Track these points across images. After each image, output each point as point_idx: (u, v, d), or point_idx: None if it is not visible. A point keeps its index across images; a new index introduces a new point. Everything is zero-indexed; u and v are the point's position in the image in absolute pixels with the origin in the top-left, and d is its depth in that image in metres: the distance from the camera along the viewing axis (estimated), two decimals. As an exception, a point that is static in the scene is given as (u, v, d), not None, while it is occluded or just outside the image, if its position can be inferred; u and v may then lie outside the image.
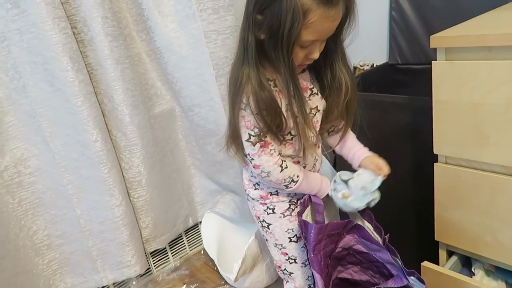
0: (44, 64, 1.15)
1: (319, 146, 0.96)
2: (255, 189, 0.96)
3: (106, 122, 1.30)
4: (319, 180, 0.92)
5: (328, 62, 0.85)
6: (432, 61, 0.87)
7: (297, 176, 0.87)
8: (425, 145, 0.98)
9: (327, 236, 0.87)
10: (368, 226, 0.91)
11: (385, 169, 0.88)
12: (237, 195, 1.57)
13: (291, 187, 0.87)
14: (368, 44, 1.61)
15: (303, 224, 0.86)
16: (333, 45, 0.82)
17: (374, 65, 1.59)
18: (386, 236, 0.88)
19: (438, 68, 0.86)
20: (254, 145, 0.83)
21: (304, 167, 0.93)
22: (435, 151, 0.95)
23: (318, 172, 0.98)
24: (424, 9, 1.38)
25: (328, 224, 0.87)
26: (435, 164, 0.97)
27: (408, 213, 1.23)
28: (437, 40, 0.85)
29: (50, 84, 1.17)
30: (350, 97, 0.87)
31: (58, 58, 1.13)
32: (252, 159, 0.84)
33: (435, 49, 0.87)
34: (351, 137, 0.98)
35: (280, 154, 0.87)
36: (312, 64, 0.83)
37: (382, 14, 1.53)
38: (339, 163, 1.38)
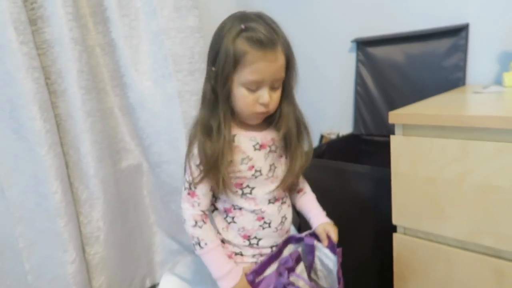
0: (12, 112, 1.14)
1: (289, 205, 0.97)
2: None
3: (69, 173, 1.27)
4: (227, 269, 0.87)
5: (281, 111, 0.88)
6: (391, 135, 0.93)
7: (205, 244, 0.87)
8: (385, 214, 1.00)
9: None
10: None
11: (333, 237, 0.91)
12: (199, 257, 1.52)
13: (196, 250, 0.88)
14: (335, 115, 1.70)
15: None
16: (283, 93, 0.87)
17: (340, 135, 1.66)
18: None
19: (396, 142, 0.92)
20: (184, 190, 0.88)
21: (269, 223, 0.91)
22: (394, 222, 0.98)
23: (287, 233, 0.97)
24: (386, 86, 1.48)
25: None
26: (394, 234, 0.99)
27: (368, 282, 1.23)
28: (395, 116, 0.91)
29: (15, 132, 1.15)
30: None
31: (27, 106, 1.12)
32: (181, 199, 0.90)
33: (393, 124, 0.92)
34: (312, 198, 1.01)
35: (241, 208, 0.89)
36: (272, 119, 0.88)
37: (348, 88, 1.63)
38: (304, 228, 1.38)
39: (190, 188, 0.87)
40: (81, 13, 1.31)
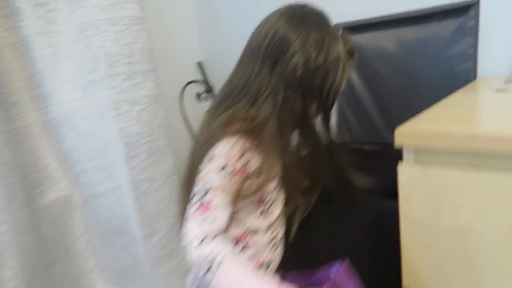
0: None
1: None
2: None
3: (-35, 222, 0.97)
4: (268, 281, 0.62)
5: None
6: (398, 165, 0.65)
7: (221, 260, 0.60)
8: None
9: None
10: None
11: None
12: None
13: (207, 278, 0.60)
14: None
15: None
16: None
17: (322, 141, 1.43)
18: None
19: (406, 173, 0.63)
20: (192, 206, 0.67)
21: (279, 239, 0.84)
22: None
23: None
24: (375, 82, 1.26)
25: None
26: None
27: None
28: (403, 135, 0.63)
29: None
30: None
31: None
32: (185, 221, 0.67)
33: (401, 147, 0.65)
34: None
35: (256, 231, 0.79)
36: None
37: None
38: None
39: (203, 198, 0.68)
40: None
